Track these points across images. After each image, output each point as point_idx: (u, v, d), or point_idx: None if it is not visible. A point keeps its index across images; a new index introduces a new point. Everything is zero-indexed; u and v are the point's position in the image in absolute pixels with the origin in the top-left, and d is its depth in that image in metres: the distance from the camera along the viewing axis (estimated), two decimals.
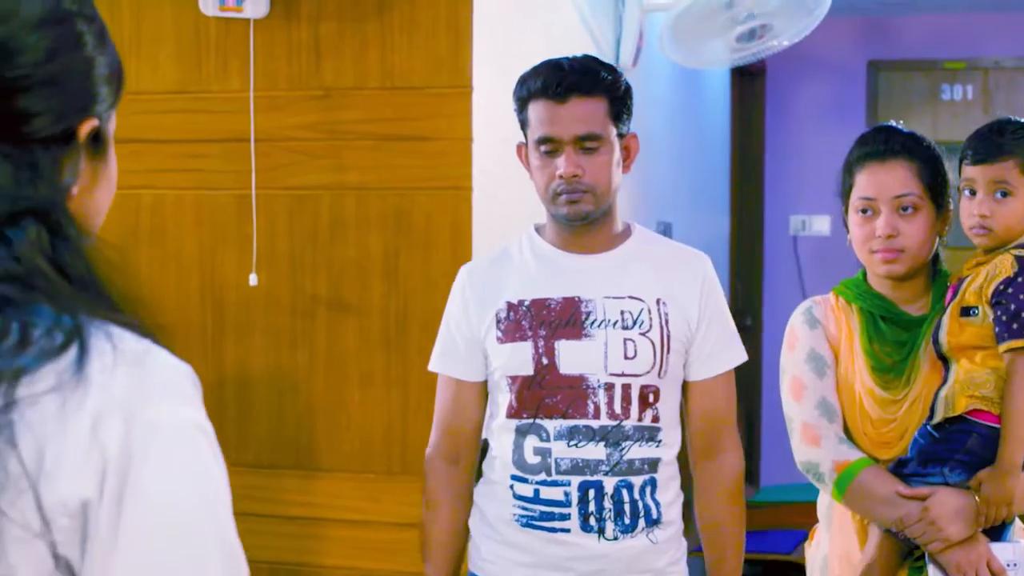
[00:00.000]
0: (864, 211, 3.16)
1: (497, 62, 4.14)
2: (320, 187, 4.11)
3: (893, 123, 3.29)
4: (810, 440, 3.17)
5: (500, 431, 3.19)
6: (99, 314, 1.33)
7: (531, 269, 3.20)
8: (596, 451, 3.08)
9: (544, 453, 3.11)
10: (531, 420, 3.12)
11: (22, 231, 1.30)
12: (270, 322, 4.17)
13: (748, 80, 8.81)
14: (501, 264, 3.25)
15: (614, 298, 3.13)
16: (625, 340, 3.10)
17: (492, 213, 4.10)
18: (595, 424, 3.08)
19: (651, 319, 3.12)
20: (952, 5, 8.46)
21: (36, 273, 1.30)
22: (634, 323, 3.11)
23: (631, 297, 3.13)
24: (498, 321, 3.16)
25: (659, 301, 3.14)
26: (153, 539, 1.27)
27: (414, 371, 4.01)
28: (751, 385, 8.35)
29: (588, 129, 3.07)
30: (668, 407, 3.16)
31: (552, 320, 3.12)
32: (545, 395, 3.11)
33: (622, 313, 3.11)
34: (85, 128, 1.40)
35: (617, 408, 3.09)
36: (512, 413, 3.15)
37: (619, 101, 3.12)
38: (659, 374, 3.11)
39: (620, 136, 3.14)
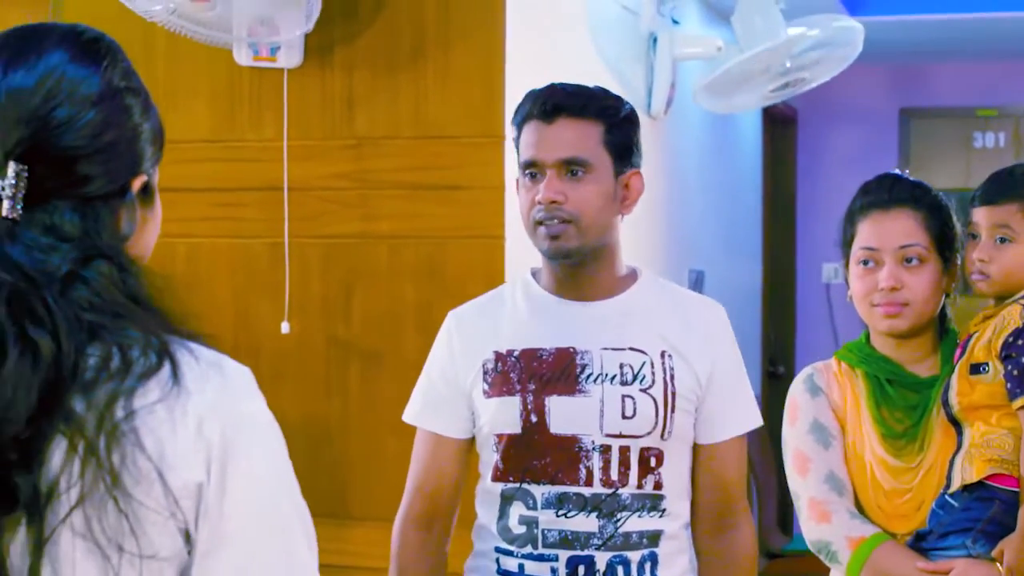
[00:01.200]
0: (866, 262, 2.99)
1: None
2: (353, 236, 4.13)
3: (899, 171, 3.17)
4: (820, 517, 2.96)
5: (485, 496, 2.90)
6: (170, 332, 1.61)
7: (523, 316, 2.89)
8: (587, 523, 2.75)
9: (530, 523, 2.78)
10: (517, 484, 2.80)
11: (95, 271, 1.57)
12: (303, 370, 4.17)
13: (780, 127, 8.82)
14: (492, 310, 2.95)
15: (613, 350, 2.80)
16: (624, 397, 2.77)
17: (525, 262, 4.08)
18: (586, 492, 2.76)
19: (654, 374, 2.79)
20: (984, 53, 8.45)
21: (117, 304, 1.57)
22: (634, 378, 2.78)
23: (632, 349, 2.81)
24: (485, 372, 2.85)
25: (664, 354, 2.81)
26: (250, 507, 1.59)
27: None
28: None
29: (573, 152, 2.76)
30: (675, 473, 2.83)
31: (543, 373, 2.79)
32: (533, 457, 2.78)
33: (621, 367, 2.79)
34: (136, 184, 1.66)
35: (613, 474, 2.76)
36: (497, 476, 2.83)
37: (618, 129, 2.81)
38: (662, 435, 2.79)
39: (619, 170, 2.82)
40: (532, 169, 2.81)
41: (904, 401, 3.00)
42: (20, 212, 1.57)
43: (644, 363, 2.80)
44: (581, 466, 2.76)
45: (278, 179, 4.14)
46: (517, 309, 2.90)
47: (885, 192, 3.02)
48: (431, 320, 4.03)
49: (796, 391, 3.08)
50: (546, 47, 4.39)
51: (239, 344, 4.23)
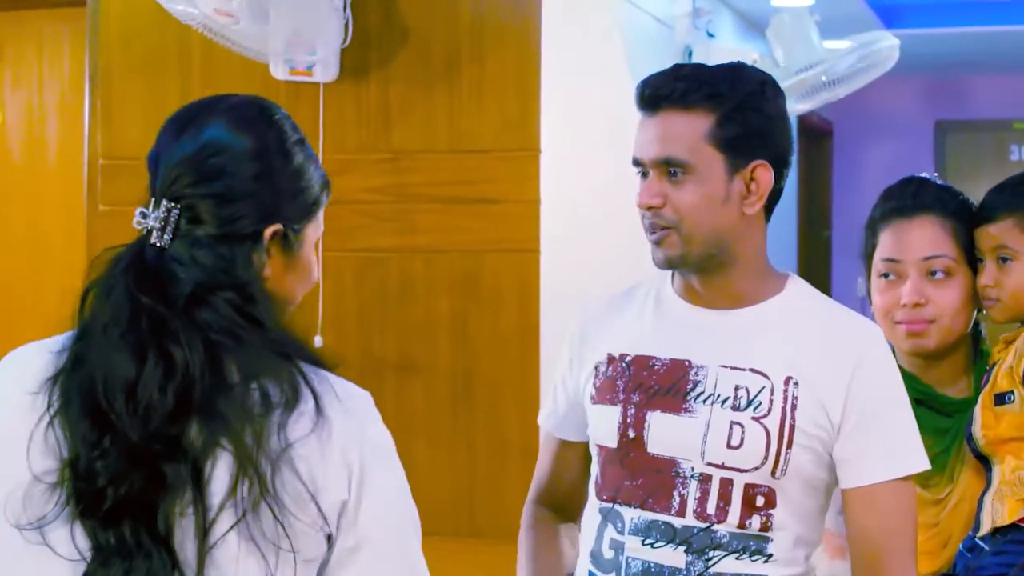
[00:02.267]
0: (887, 275, 2.71)
1: (565, 125, 4.15)
2: (388, 249, 4.13)
3: (926, 175, 2.89)
4: (834, 551, 2.70)
5: (588, 512, 2.59)
6: (289, 355, 1.86)
7: (647, 318, 2.55)
8: (674, 556, 2.42)
9: (618, 548, 2.48)
10: (610, 504, 2.49)
11: (219, 298, 1.83)
12: None
13: (815, 140, 8.80)
14: (619, 306, 2.62)
15: (732, 368, 2.43)
16: (732, 424, 2.40)
17: (560, 275, 4.10)
18: (676, 522, 2.42)
19: (772, 402, 2.40)
20: (1020, 66, 8.42)
21: (237, 326, 1.82)
22: (748, 404, 2.41)
23: (753, 371, 2.42)
24: (596, 376, 2.55)
25: (789, 380, 2.41)
26: (379, 514, 1.89)
27: (481, 433, 4.01)
28: None
29: (667, 152, 2.40)
30: (793, 517, 2.42)
31: (651, 385, 2.48)
32: (626, 476, 2.47)
33: (736, 389, 2.42)
34: (268, 232, 1.91)
35: (710, 507, 2.40)
36: (598, 490, 2.54)
37: (733, 119, 2.41)
38: (773, 472, 2.39)
39: (735, 166, 2.42)
40: (637, 167, 2.47)
41: (934, 424, 2.68)
42: (168, 242, 1.86)
43: (763, 388, 2.42)
44: (675, 493, 2.43)
45: None
46: (644, 309, 2.57)
47: (908, 198, 2.74)
48: (466, 333, 4.04)
49: None
50: (581, 60, 4.39)
51: None
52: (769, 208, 2.48)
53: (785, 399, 2.39)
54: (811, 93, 5.27)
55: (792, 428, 2.38)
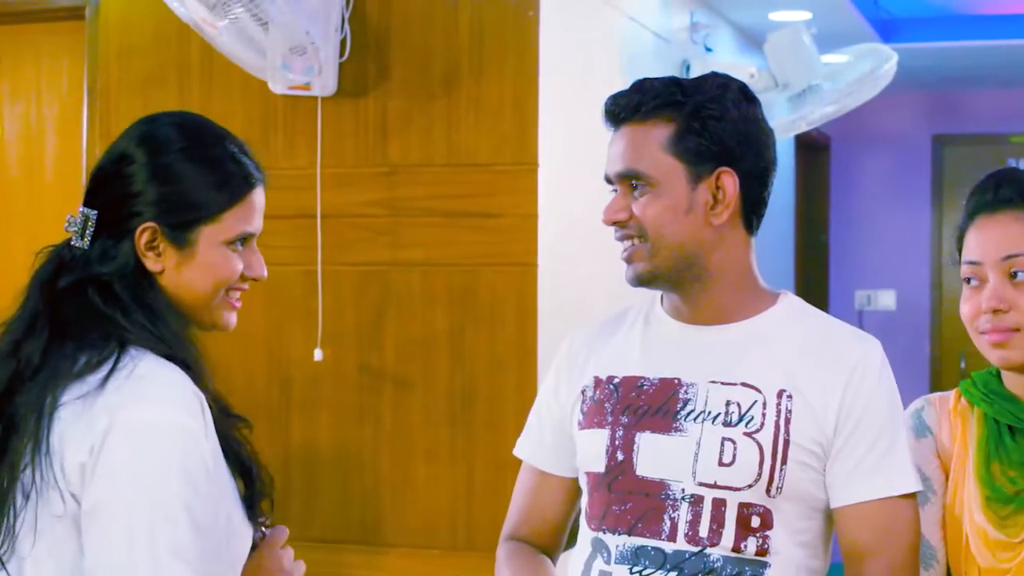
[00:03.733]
0: (969, 280, 2.39)
1: (563, 139, 4.16)
2: (386, 263, 4.13)
3: (1014, 162, 2.53)
4: None
5: (580, 543, 2.45)
6: (146, 345, 2.05)
7: (633, 339, 2.46)
8: None
9: None
10: (598, 532, 2.37)
11: (89, 292, 2.10)
12: (336, 398, 4.18)
13: (812, 154, 8.80)
14: (609, 330, 2.53)
15: (722, 384, 2.33)
16: (723, 440, 2.29)
17: (558, 290, 4.10)
18: (668, 548, 2.29)
19: (764, 416, 2.29)
20: (1017, 79, 8.43)
21: (98, 316, 2.08)
22: (740, 419, 2.29)
23: (744, 385, 2.32)
24: (583, 400, 2.45)
25: (782, 394, 2.30)
26: (119, 484, 1.96)
27: (480, 447, 4.01)
28: None
29: (628, 166, 2.35)
30: (791, 540, 2.30)
31: (640, 405, 2.36)
32: (613, 501, 2.35)
33: (727, 404, 2.31)
34: (138, 232, 2.10)
35: (702, 530, 2.28)
36: (587, 519, 2.41)
37: (693, 128, 2.33)
38: (768, 491, 2.27)
39: (698, 174, 2.33)
40: (609, 185, 2.42)
41: (1023, 457, 2.36)
42: (79, 241, 2.13)
43: (755, 402, 2.30)
44: (666, 517, 2.30)
45: (311, 207, 4.15)
46: (633, 331, 2.48)
47: (990, 192, 2.40)
48: (463, 347, 4.04)
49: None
50: (579, 75, 4.39)
51: (272, 371, 4.24)
52: (750, 218, 2.40)
53: (778, 412, 2.29)
54: (808, 118, 5.28)
55: (787, 443, 2.28)
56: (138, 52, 4.39)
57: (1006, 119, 8.81)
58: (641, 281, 2.38)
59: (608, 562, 2.34)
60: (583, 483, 2.44)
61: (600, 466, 2.37)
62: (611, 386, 2.41)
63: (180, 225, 2.13)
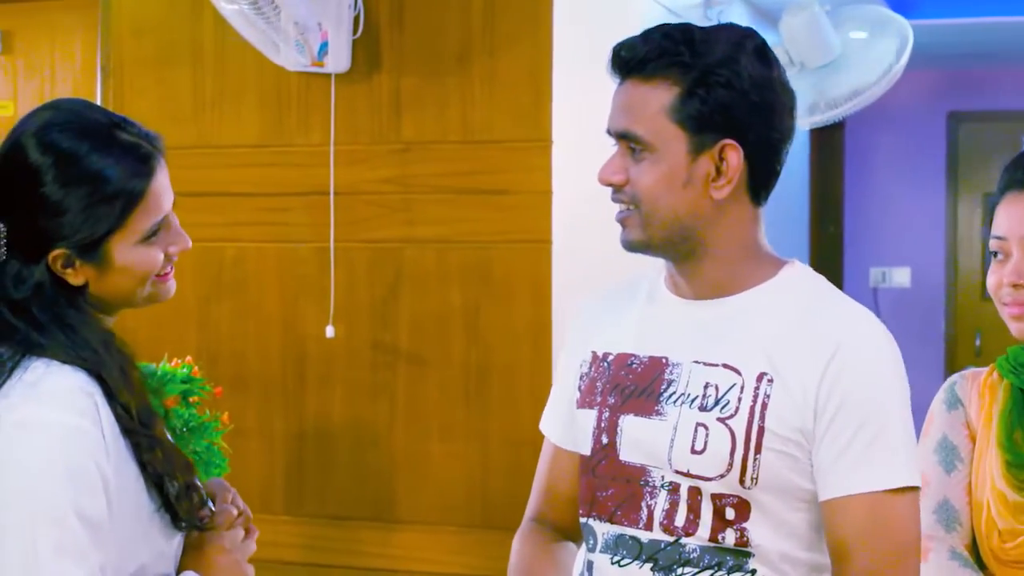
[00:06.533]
0: (996, 254, 2.42)
1: (577, 116, 4.14)
2: (400, 240, 4.13)
3: None
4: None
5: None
6: (59, 357, 2.04)
7: (634, 313, 2.31)
8: (640, 574, 2.19)
9: (588, 568, 2.27)
10: (587, 519, 2.27)
11: (5, 305, 2.09)
12: (350, 374, 4.18)
13: (827, 132, 8.77)
14: (614, 301, 2.39)
15: (704, 364, 2.17)
16: (697, 426, 2.14)
17: (572, 266, 4.09)
18: (644, 537, 2.18)
19: (741, 400, 2.13)
20: None
21: (6, 326, 2.08)
22: (716, 403, 2.14)
23: (725, 366, 2.15)
24: (581, 377, 2.33)
25: (762, 377, 2.13)
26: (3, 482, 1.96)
27: (494, 424, 4.01)
28: None
29: (626, 126, 2.17)
30: (772, 531, 2.15)
31: (627, 385, 2.23)
32: (598, 487, 2.24)
33: (706, 387, 2.16)
34: (51, 257, 2.09)
35: (678, 519, 2.15)
36: (579, 503, 2.32)
37: (700, 92, 2.13)
38: (742, 481, 2.11)
39: (700, 145, 2.14)
40: (611, 139, 2.23)
41: None
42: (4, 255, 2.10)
43: (733, 386, 2.14)
44: (643, 504, 2.18)
45: (325, 184, 4.15)
46: (635, 304, 2.32)
47: (1021, 170, 2.42)
48: (477, 324, 4.04)
49: (936, 400, 2.52)
50: (592, 51, 4.37)
51: (286, 348, 4.24)
52: (758, 191, 2.21)
53: (755, 398, 2.12)
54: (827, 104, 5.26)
55: (761, 431, 2.10)
56: (151, 29, 4.39)
57: (1022, 96, 8.78)
58: (633, 247, 2.23)
59: (593, 550, 2.25)
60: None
61: (587, 449, 2.26)
62: (605, 363, 2.28)
63: (89, 246, 2.10)
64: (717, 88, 2.12)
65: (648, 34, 2.17)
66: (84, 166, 2.08)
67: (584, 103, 4.23)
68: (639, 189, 2.16)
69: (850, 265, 8.98)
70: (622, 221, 2.21)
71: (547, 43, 3.99)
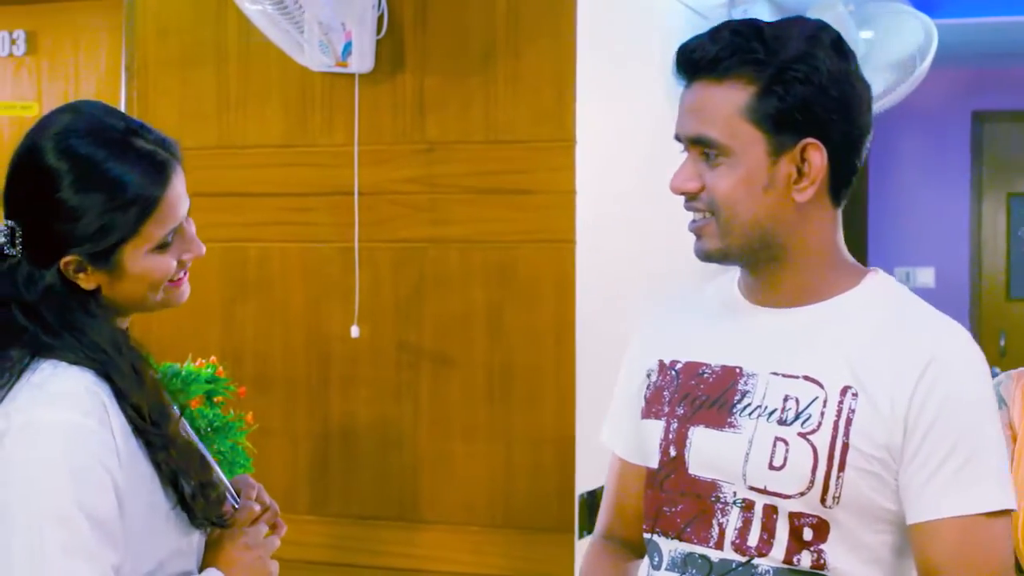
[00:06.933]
0: None
1: (600, 115, 4.14)
2: (423, 240, 4.13)
3: None
4: None
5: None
6: (68, 359, 2.05)
7: (705, 320, 2.22)
8: None
9: None
10: (651, 535, 2.18)
11: (18, 305, 2.10)
12: (374, 374, 4.18)
13: None
14: (684, 306, 2.30)
15: (783, 376, 2.07)
16: (776, 440, 2.03)
17: (596, 267, 4.09)
18: (714, 556, 2.08)
19: (824, 415, 2.01)
20: None
21: (17, 327, 2.09)
22: (796, 417, 2.03)
23: (807, 378, 2.05)
24: (647, 386, 2.24)
25: (847, 391, 2.02)
26: (13, 477, 1.98)
27: (517, 424, 4.01)
28: None
29: (700, 130, 2.06)
30: (852, 555, 2.04)
31: (698, 395, 2.13)
32: (665, 502, 2.14)
33: (785, 400, 2.05)
34: (63, 263, 2.10)
35: (751, 538, 2.05)
36: (643, 518, 2.22)
37: (778, 90, 2.02)
38: (823, 500, 2.01)
39: (780, 146, 2.05)
40: (679, 143, 2.13)
41: None
42: (15, 251, 2.12)
43: (815, 399, 2.03)
44: (714, 522, 2.08)
45: (349, 184, 4.15)
46: (706, 310, 2.23)
47: None
48: (501, 324, 4.04)
49: None
50: (616, 50, 4.38)
51: (310, 348, 4.24)
52: (839, 190, 2.13)
53: (839, 412, 2.01)
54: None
55: (845, 447, 2.00)
56: (176, 30, 4.40)
57: None
58: (709, 258, 2.12)
59: (658, 568, 2.16)
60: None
61: (654, 461, 2.16)
62: (673, 371, 2.18)
63: (101, 253, 2.11)
64: (795, 84, 2.02)
65: (716, 32, 2.07)
66: (100, 173, 2.09)
67: (608, 103, 4.23)
68: (716, 195, 2.06)
69: (874, 264, 8.94)
70: (697, 231, 2.11)
71: (571, 43, 3.99)
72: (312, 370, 4.24)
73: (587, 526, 3.85)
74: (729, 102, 2.03)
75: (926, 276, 8.69)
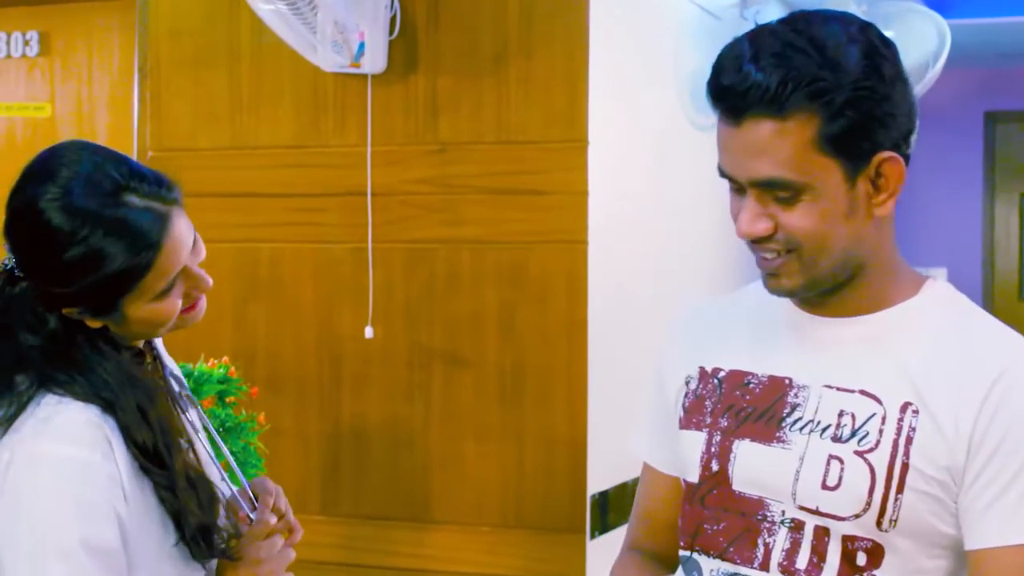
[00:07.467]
0: None
1: (613, 116, 4.14)
2: (436, 241, 4.13)
3: None
4: None
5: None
6: (71, 394, 2.05)
7: (749, 325, 2.10)
8: None
9: None
10: (690, 551, 2.07)
11: (18, 343, 2.11)
12: (386, 375, 4.18)
13: None
14: (723, 311, 2.18)
15: (838, 390, 1.95)
16: (831, 458, 1.92)
17: (608, 267, 4.09)
18: None
19: (882, 433, 1.90)
20: None
21: (22, 359, 2.10)
22: (852, 434, 1.91)
23: (863, 393, 1.93)
24: (686, 394, 2.13)
25: (907, 407, 1.90)
26: (18, 509, 1.98)
27: (529, 425, 4.01)
28: None
29: (768, 173, 1.88)
30: None
31: (744, 407, 2.02)
32: (706, 519, 2.04)
33: (840, 415, 1.93)
34: (67, 312, 2.10)
35: (800, 561, 1.93)
36: (680, 533, 2.11)
37: (846, 112, 1.85)
38: (879, 523, 1.89)
39: (857, 167, 1.90)
40: (729, 181, 1.96)
41: None
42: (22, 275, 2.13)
43: (873, 416, 1.91)
44: (760, 542, 1.97)
45: (361, 184, 4.15)
46: (749, 315, 2.11)
47: None
48: (513, 325, 4.04)
49: None
50: (629, 51, 4.38)
51: (322, 349, 4.25)
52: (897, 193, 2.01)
53: (899, 430, 1.89)
54: None
55: (905, 468, 1.88)
56: (189, 31, 4.40)
57: None
58: (791, 295, 2.00)
59: None
60: (684, 492, 2.12)
61: (694, 475, 2.06)
62: (715, 380, 2.07)
63: (102, 308, 2.12)
64: (865, 103, 1.87)
65: (757, 60, 1.88)
66: (91, 243, 2.06)
67: (620, 104, 4.23)
68: (797, 234, 1.91)
69: None
70: (776, 271, 1.96)
71: (583, 44, 3.99)
72: (324, 370, 4.25)
73: (599, 527, 3.84)
74: (798, 139, 1.86)
75: (938, 277, 8.67)
